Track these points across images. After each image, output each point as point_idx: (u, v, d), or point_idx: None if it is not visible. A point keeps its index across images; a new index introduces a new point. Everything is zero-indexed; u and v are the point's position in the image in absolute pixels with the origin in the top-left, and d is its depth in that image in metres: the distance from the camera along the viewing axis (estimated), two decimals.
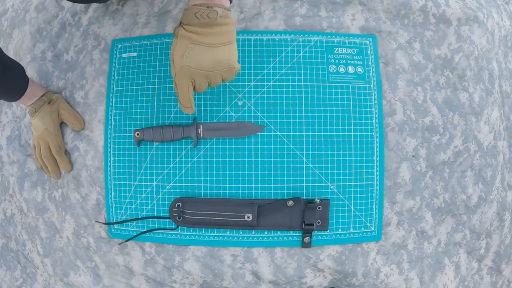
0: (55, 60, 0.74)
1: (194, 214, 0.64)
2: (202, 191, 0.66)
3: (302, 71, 0.67)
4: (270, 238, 0.66)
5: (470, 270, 0.73)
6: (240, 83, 0.67)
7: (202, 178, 0.66)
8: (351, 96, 0.67)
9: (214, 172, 0.66)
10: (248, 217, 0.64)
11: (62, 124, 0.71)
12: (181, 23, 0.51)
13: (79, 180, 0.70)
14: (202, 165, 0.66)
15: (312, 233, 0.65)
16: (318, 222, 0.65)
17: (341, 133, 0.66)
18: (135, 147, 0.67)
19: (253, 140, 0.66)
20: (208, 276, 0.67)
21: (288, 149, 0.65)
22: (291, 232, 0.66)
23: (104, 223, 0.68)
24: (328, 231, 0.66)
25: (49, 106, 0.68)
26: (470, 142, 0.70)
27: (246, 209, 0.64)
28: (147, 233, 0.67)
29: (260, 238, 0.66)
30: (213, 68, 0.52)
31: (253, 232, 0.66)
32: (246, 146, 0.66)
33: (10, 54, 0.78)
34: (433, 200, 0.69)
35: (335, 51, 0.68)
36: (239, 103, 0.66)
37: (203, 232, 0.66)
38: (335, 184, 0.65)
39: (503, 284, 0.76)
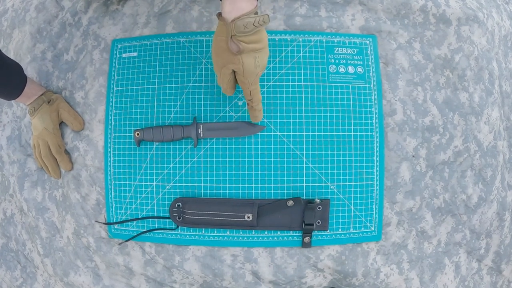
0: (55, 60, 0.74)
1: (194, 214, 0.64)
2: (202, 191, 0.66)
3: (302, 71, 0.67)
4: (270, 238, 0.66)
5: (470, 270, 0.73)
6: None
7: (202, 178, 0.66)
8: (351, 96, 0.67)
9: (214, 172, 0.66)
10: (248, 217, 0.64)
11: (62, 124, 0.72)
12: (230, 36, 0.50)
13: (79, 180, 0.70)
14: (202, 165, 0.66)
15: (312, 233, 0.65)
16: (318, 222, 0.65)
17: (341, 133, 0.66)
18: (135, 147, 0.67)
19: (253, 140, 0.66)
20: (208, 276, 0.67)
21: (288, 149, 0.65)
22: (291, 232, 0.66)
23: (104, 223, 0.68)
24: (328, 231, 0.66)
25: (48, 105, 0.68)
26: (470, 142, 0.70)
27: (246, 209, 0.64)
28: (147, 233, 0.67)
29: (260, 238, 0.66)
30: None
31: (253, 232, 0.66)
32: (246, 146, 0.66)
33: (10, 54, 0.78)
34: (433, 200, 0.69)
35: (335, 51, 0.68)
36: (239, 103, 0.66)
37: (203, 232, 0.66)
38: (335, 184, 0.65)
39: (503, 284, 0.76)
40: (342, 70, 0.67)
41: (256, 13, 0.50)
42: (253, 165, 0.65)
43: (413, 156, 0.68)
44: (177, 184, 0.66)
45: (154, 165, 0.67)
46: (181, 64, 0.68)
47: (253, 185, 0.65)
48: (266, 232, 0.66)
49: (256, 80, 0.55)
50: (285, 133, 0.66)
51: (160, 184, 0.66)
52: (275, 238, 0.66)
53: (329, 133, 0.66)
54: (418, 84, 0.69)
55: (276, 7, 0.69)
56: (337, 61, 0.68)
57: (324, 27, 0.69)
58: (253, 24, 0.49)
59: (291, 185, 0.65)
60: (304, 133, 0.66)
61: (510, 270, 0.76)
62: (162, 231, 0.67)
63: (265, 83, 0.66)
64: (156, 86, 0.68)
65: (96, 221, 0.69)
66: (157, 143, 0.67)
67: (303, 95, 0.66)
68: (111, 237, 0.69)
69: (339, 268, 0.67)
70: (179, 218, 0.65)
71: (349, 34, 0.69)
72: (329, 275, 0.68)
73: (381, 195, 0.67)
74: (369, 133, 0.66)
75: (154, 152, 0.67)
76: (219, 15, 0.51)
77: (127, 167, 0.67)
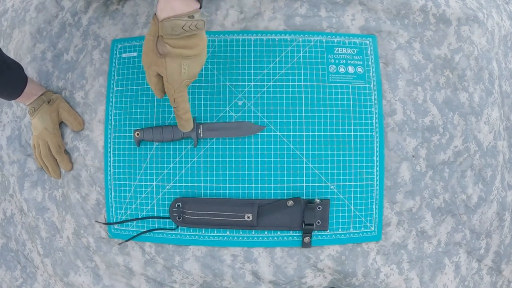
0: (55, 60, 0.74)
1: (194, 214, 0.64)
2: (202, 191, 0.66)
3: (302, 71, 0.67)
4: (270, 238, 0.66)
5: (470, 270, 0.73)
6: (240, 83, 0.67)
7: (202, 178, 0.66)
8: (351, 96, 0.67)
9: (214, 172, 0.66)
10: (248, 217, 0.64)
11: (62, 124, 0.72)
12: (158, 36, 0.48)
13: (79, 180, 0.70)
14: (202, 165, 0.66)
15: (312, 233, 0.65)
16: (318, 222, 0.65)
17: (341, 133, 0.66)
18: (135, 147, 0.67)
19: (253, 140, 0.66)
20: (208, 276, 0.67)
21: (288, 149, 0.65)
22: (291, 232, 0.66)
23: (104, 223, 0.68)
24: (328, 231, 0.66)
25: (48, 105, 0.68)
26: (470, 142, 0.70)
27: (246, 209, 0.64)
28: (147, 233, 0.67)
29: (260, 238, 0.66)
30: (200, 70, 0.53)
31: (253, 232, 0.66)
32: (246, 146, 0.66)
33: (10, 54, 0.78)
34: (433, 200, 0.69)
35: (335, 51, 0.68)
36: (239, 103, 0.66)
37: (203, 232, 0.66)
38: (335, 184, 0.65)
39: (503, 284, 0.76)
40: (342, 70, 0.67)
41: (192, 16, 0.47)
42: (253, 165, 0.65)
43: (413, 156, 0.68)
44: (177, 184, 0.66)
45: (154, 165, 0.67)
46: None
47: (253, 185, 0.65)
48: (266, 232, 0.66)
49: (181, 88, 0.52)
50: (285, 133, 0.66)
51: (160, 184, 0.66)
52: (275, 238, 0.66)
53: (329, 133, 0.66)
54: (418, 84, 0.69)
55: (276, 7, 0.69)
56: (337, 61, 0.68)
57: (324, 27, 0.69)
58: (182, 28, 0.46)
59: (291, 185, 0.65)
60: (304, 133, 0.66)
61: (510, 270, 0.76)
62: (162, 231, 0.67)
63: (265, 83, 0.66)
64: None
65: (96, 221, 0.69)
66: (157, 143, 0.67)
67: (303, 95, 0.66)
68: (111, 237, 0.69)
69: (339, 268, 0.67)
70: (179, 218, 0.65)
71: (349, 34, 0.69)
72: (329, 275, 0.68)
73: (381, 195, 0.67)
74: (369, 133, 0.66)
75: (154, 152, 0.67)
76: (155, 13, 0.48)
77: (127, 167, 0.67)
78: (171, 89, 0.51)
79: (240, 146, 0.66)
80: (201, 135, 0.65)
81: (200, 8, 0.48)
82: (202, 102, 0.67)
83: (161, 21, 0.46)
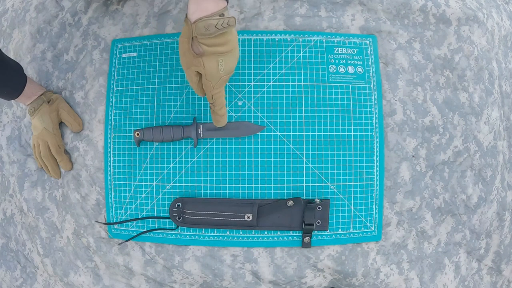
0: (55, 60, 0.74)
1: (194, 214, 0.64)
2: (202, 191, 0.66)
3: (302, 71, 0.67)
4: (270, 238, 0.66)
5: (470, 270, 0.73)
6: (240, 83, 0.67)
7: (202, 178, 0.66)
8: (351, 96, 0.67)
9: (214, 172, 0.66)
10: (248, 217, 0.64)
11: (62, 124, 0.72)
12: (192, 37, 0.50)
13: (79, 180, 0.70)
14: (202, 165, 0.66)
15: (312, 233, 0.65)
16: (318, 222, 0.65)
17: (341, 133, 0.66)
18: (135, 147, 0.67)
19: (253, 140, 0.66)
20: (208, 276, 0.67)
21: (288, 149, 0.65)
22: (291, 232, 0.66)
23: (104, 223, 0.68)
24: (328, 231, 0.66)
25: (48, 105, 0.68)
26: (470, 142, 0.70)
27: (246, 209, 0.64)
28: (147, 233, 0.67)
29: (260, 238, 0.66)
30: (235, 65, 0.55)
31: (253, 232, 0.66)
32: (246, 146, 0.66)
33: (10, 54, 0.78)
34: (433, 200, 0.69)
35: (335, 51, 0.68)
36: (239, 103, 0.66)
37: (203, 232, 0.66)
38: (335, 184, 0.65)
39: (503, 284, 0.76)
40: (342, 70, 0.67)
41: (222, 14, 0.48)
42: (253, 165, 0.65)
43: (413, 156, 0.68)
44: (177, 184, 0.66)
45: (154, 165, 0.67)
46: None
47: (253, 185, 0.65)
48: (266, 232, 0.66)
49: (220, 84, 0.54)
50: (285, 133, 0.66)
51: (160, 184, 0.66)
52: (275, 238, 0.66)
53: (329, 133, 0.66)
54: (418, 84, 0.69)
55: (276, 7, 0.69)
56: (337, 61, 0.68)
57: (324, 27, 0.69)
58: (215, 26, 0.48)
59: (291, 185, 0.65)
60: (304, 133, 0.66)
61: (510, 270, 0.76)
62: (162, 231, 0.67)
63: (265, 83, 0.66)
64: (156, 86, 0.68)
65: (96, 221, 0.69)
66: (157, 143, 0.67)
67: (303, 95, 0.66)
68: (111, 237, 0.69)
69: (339, 268, 0.67)
70: (179, 218, 0.65)
71: (349, 34, 0.69)
72: (329, 275, 0.68)
73: (381, 195, 0.67)
74: (369, 133, 0.66)
75: (154, 152, 0.67)
76: (186, 15, 0.50)
77: (127, 167, 0.67)
78: (209, 86, 0.54)
79: (240, 146, 0.66)
80: (201, 135, 0.65)
81: (227, 4, 0.50)
82: (202, 102, 0.67)
83: (194, 23, 0.48)
